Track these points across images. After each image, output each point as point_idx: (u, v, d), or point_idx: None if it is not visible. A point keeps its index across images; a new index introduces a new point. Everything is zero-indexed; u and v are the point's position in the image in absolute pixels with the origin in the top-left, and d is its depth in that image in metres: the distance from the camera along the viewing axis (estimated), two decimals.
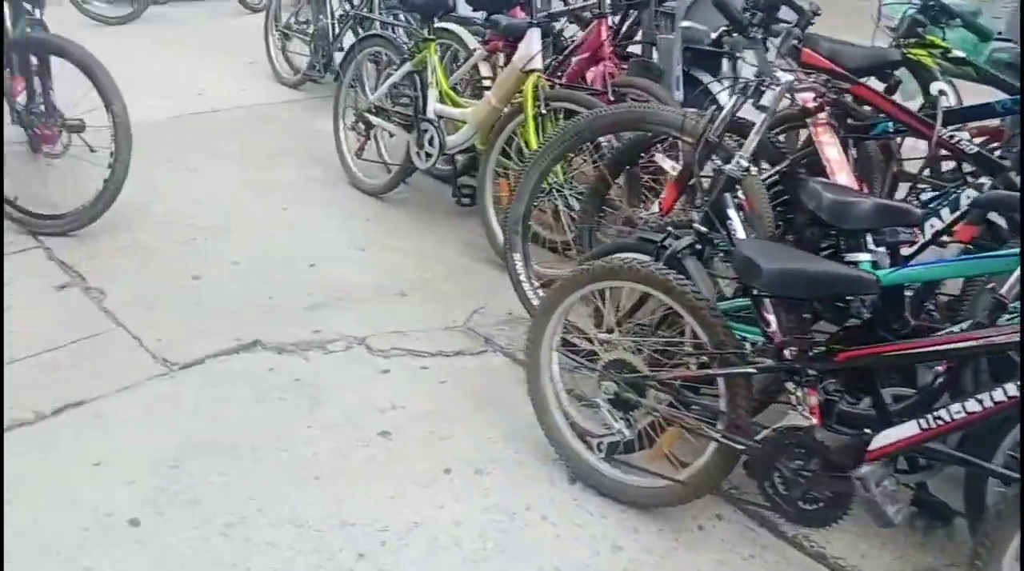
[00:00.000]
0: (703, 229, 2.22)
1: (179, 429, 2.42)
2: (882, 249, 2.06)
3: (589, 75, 3.63)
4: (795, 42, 2.21)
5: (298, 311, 3.10)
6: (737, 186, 2.31)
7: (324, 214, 3.96)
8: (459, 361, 2.85)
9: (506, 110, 3.46)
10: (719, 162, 2.48)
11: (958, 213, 2.45)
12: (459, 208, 3.93)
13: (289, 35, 5.88)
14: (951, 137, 2.32)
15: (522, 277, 2.80)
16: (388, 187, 4.11)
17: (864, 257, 2.10)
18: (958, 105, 2.66)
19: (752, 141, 2.24)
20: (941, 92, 2.68)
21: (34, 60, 3.39)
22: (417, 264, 3.51)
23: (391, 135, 4.05)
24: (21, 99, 3.42)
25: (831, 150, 2.44)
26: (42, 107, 3.42)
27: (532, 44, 3.21)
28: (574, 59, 3.62)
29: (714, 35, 3.30)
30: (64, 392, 2.53)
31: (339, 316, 3.07)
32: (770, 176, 2.63)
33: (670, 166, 2.63)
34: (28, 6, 3.34)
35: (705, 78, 3.37)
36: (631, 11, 3.70)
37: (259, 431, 2.43)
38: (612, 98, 3.37)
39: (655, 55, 3.55)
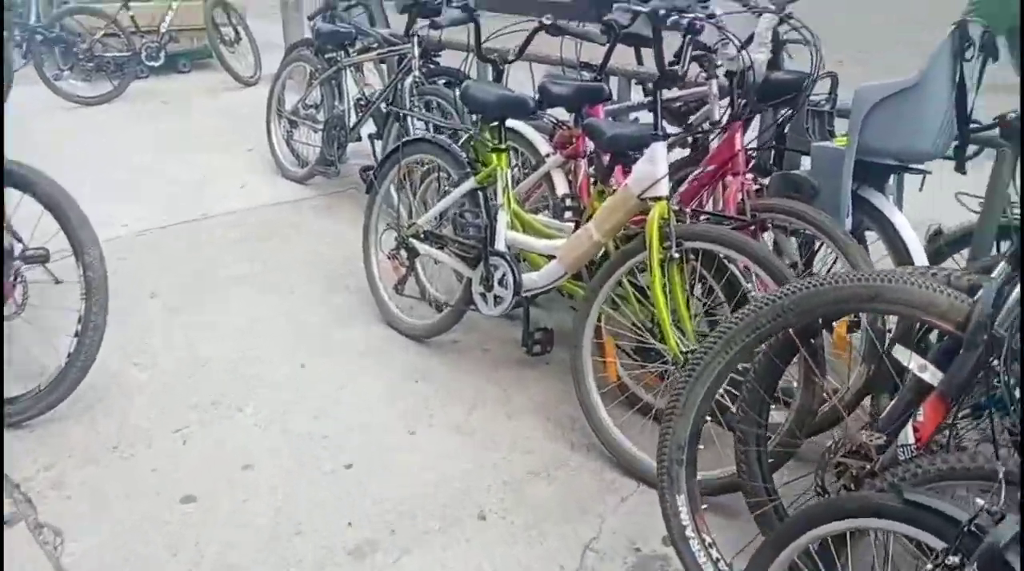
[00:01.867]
0: None
1: None
2: None
3: (711, 191, 2.76)
4: None
5: (338, 559, 2.14)
6: None
7: (357, 371, 3.03)
8: None
9: (611, 245, 2.58)
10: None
11: None
12: (532, 358, 3.02)
13: (296, 122, 5.01)
14: None
15: (688, 529, 1.85)
16: (437, 330, 3.19)
17: None
18: None
19: None
20: None
21: None
22: (491, 458, 2.56)
23: (436, 262, 3.16)
24: None
25: None
26: None
27: (657, 164, 2.32)
28: (693, 173, 2.75)
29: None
30: None
31: (396, 566, 2.12)
32: None
33: (918, 365, 1.74)
34: None
35: (879, 201, 2.49)
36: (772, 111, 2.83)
37: None
38: (753, 225, 2.51)
39: (802, 165, 2.69)
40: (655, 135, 2.33)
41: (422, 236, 3.09)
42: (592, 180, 2.93)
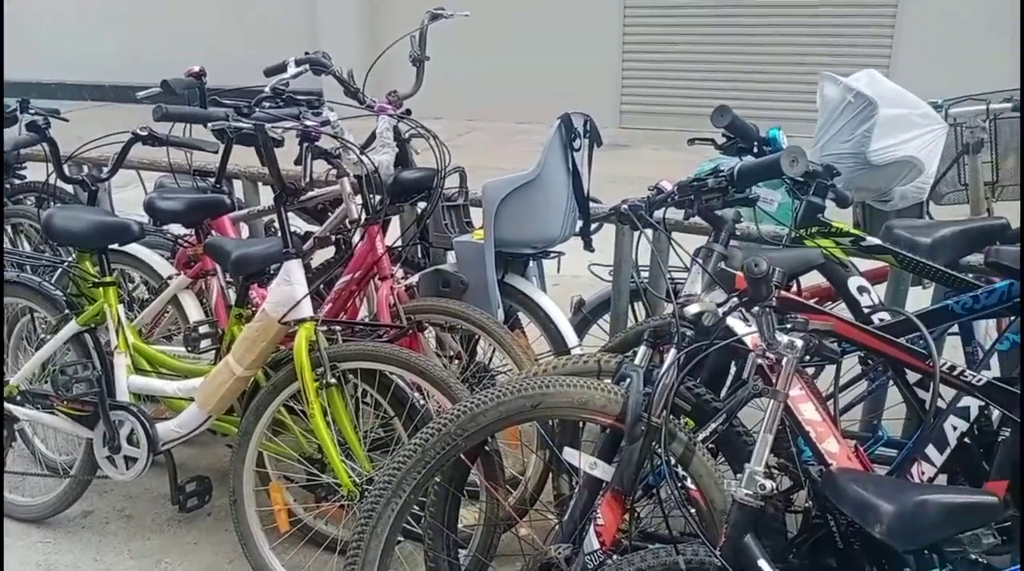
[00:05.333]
0: None
1: None
2: None
3: (362, 297, 2.61)
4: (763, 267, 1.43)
5: None
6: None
7: None
8: None
9: (261, 377, 2.28)
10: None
11: (950, 449, 1.90)
12: (188, 515, 2.57)
13: None
14: (951, 368, 1.76)
15: None
16: (60, 505, 2.59)
17: None
18: (880, 305, 2.17)
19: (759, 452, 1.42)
20: (861, 289, 2.16)
21: None
22: None
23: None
24: None
25: (808, 408, 1.72)
26: None
27: (295, 283, 2.10)
28: (337, 283, 2.56)
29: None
30: None
31: None
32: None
33: (588, 463, 1.72)
34: None
35: (524, 286, 2.54)
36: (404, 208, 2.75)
37: None
38: (410, 331, 2.40)
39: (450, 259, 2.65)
40: (287, 253, 2.11)
41: (19, 398, 2.49)
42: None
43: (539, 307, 2.53)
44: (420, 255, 2.98)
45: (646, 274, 2.68)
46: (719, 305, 1.53)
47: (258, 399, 2.20)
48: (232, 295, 2.58)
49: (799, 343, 1.45)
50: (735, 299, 1.48)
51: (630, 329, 2.31)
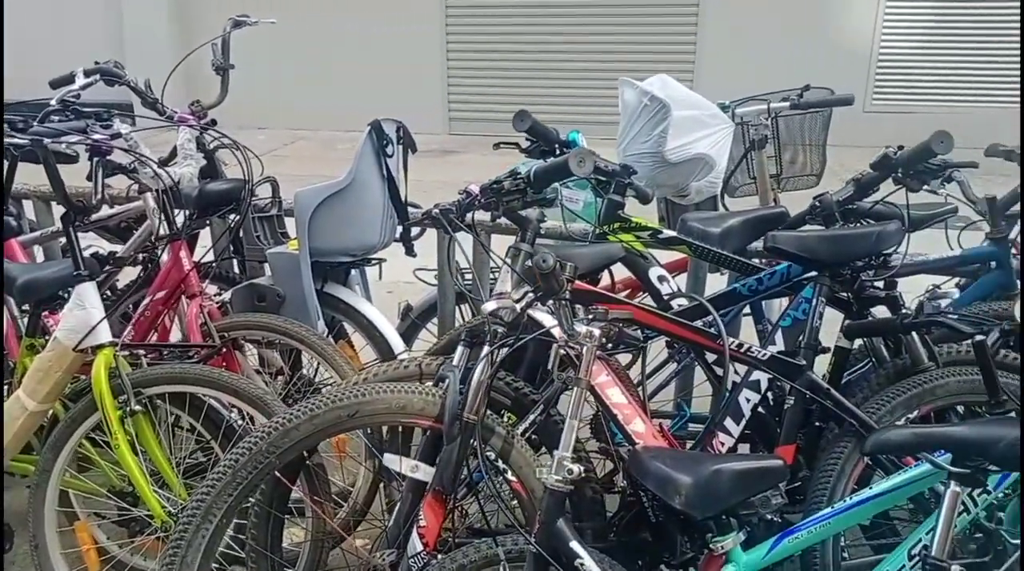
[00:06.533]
0: None
1: None
2: None
3: (172, 317, 2.47)
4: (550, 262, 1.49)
5: None
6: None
7: None
8: None
9: (60, 410, 2.11)
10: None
11: (745, 419, 2.07)
12: None
13: None
14: (739, 345, 1.91)
15: None
16: None
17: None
18: (678, 292, 2.31)
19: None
20: (661, 279, 2.30)
21: None
22: None
23: None
24: None
25: (615, 393, 1.82)
26: None
27: (89, 308, 1.96)
28: (144, 302, 2.42)
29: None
30: None
31: None
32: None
33: (409, 467, 1.73)
34: None
35: (346, 295, 2.50)
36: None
37: None
38: (223, 349, 2.30)
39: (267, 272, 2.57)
40: (78, 276, 1.97)
41: None
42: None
43: (362, 315, 2.51)
44: (238, 270, 2.87)
45: (470, 276, 2.73)
46: (517, 301, 1.58)
47: (55, 434, 2.04)
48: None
49: (597, 332, 1.53)
50: (530, 294, 1.54)
51: (454, 331, 2.34)
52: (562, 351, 1.55)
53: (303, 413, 1.62)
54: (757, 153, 3.13)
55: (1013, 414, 1.72)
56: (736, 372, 2.09)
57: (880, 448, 1.57)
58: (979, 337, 1.69)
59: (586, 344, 1.54)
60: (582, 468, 1.50)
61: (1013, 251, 2.33)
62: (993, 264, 2.32)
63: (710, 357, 2.23)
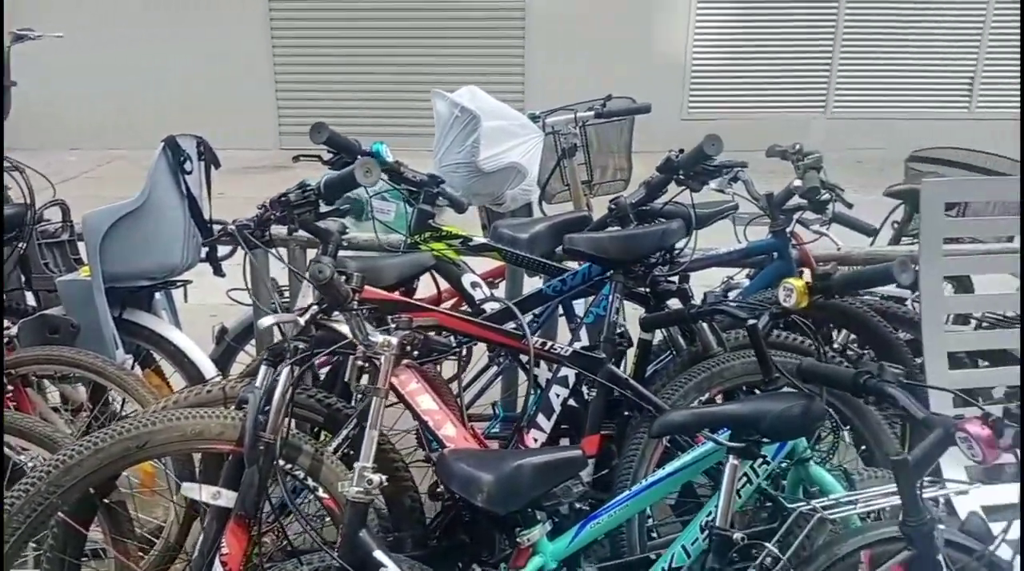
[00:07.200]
0: None
1: None
2: None
3: None
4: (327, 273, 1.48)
5: None
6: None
7: None
8: None
9: None
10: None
11: (556, 414, 2.14)
12: None
13: None
14: (543, 344, 1.97)
15: None
16: None
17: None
18: (490, 297, 2.36)
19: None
20: (474, 285, 2.34)
21: None
22: None
23: None
24: None
25: (425, 400, 1.83)
26: None
27: None
28: None
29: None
30: None
31: None
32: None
33: (210, 494, 1.67)
34: None
35: (150, 322, 2.38)
36: None
37: None
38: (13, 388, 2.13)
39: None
40: None
41: None
42: None
43: (168, 341, 2.40)
44: (35, 301, 2.66)
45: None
46: (302, 314, 1.57)
47: None
48: None
49: (395, 340, 1.54)
50: (315, 306, 1.53)
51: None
52: (359, 362, 1.55)
53: (86, 448, 1.53)
54: (568, 161, 3.26)
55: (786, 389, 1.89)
56: (550, 370, 2.18)
57: (664, 430, 1.68)
58: (751, 321, 1.84)
59: (384, 353, 1.54)
60: (383, 478, 1.51)
61: (793, 241, 2.56)
62: (776, 254, 2.53)
63: (525, 357, 2.30)
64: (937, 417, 1.33)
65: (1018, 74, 8.36)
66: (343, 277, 1.46)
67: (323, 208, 1.71)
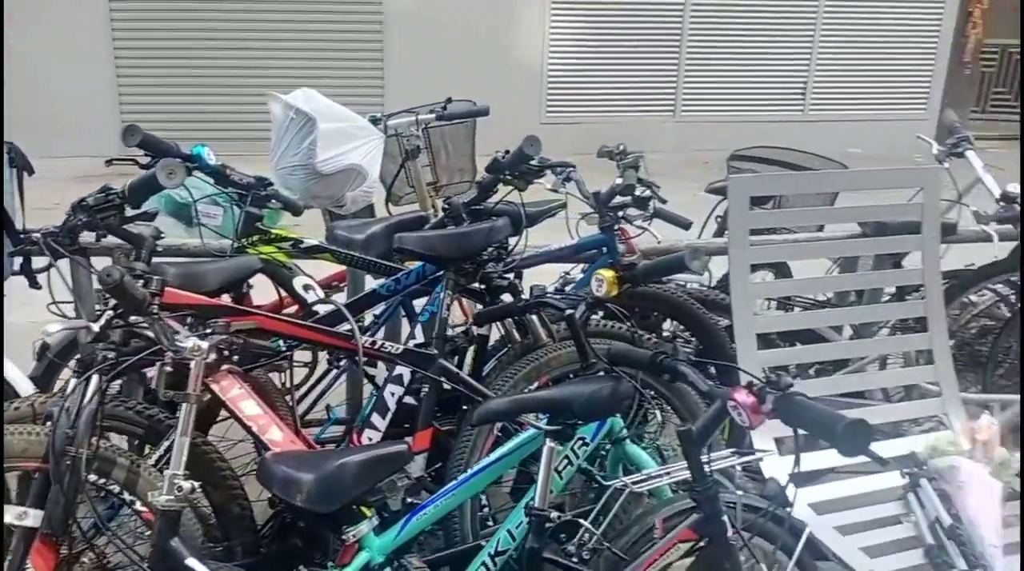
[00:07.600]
0: None
1: None
2: None
3: None
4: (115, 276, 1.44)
5: None
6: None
7: None
8: None
9: None
10: None
11: (391, 412, 2.16)
12: None
13: None
14: (373, 343, 1.98)
15: None
16: None
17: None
18: (323, 299, 2.34)
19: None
20: (307, 287, 2.33)
21: None
22: None
23: None
24: None
25: (248, 405, 1.81)
26: None
27: None
28: None
29: None
30: None
31: None
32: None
33: (15, 515, 1.58)
34: None
35: None
36: None
37: None
38: None
39: None
40: None
41: None
42: None
43: None
44: None
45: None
46: (96, 320, 1.52)
47: None
48: None
49: (205, 345, 1.52)
50: (110, 312, 1.49)
51: None
52: (168, 368, 1.51)
53: None
54: (412, 163, 3.28)
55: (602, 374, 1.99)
56: (387, 368, 2.19)
57: (485, 418, 1.74)
58: (569, 311, 1.93)
59: (195, 358, 1.52)
60: (196, 485, 1.48)
61: (620, 236, 2.69)
62: (604, 249, 2.65)
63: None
64: (719, 390, 1.45)
65: (844, 80, 9.13)
66: (140, 281, 1.42)
67: (129, 212, 1.66)
